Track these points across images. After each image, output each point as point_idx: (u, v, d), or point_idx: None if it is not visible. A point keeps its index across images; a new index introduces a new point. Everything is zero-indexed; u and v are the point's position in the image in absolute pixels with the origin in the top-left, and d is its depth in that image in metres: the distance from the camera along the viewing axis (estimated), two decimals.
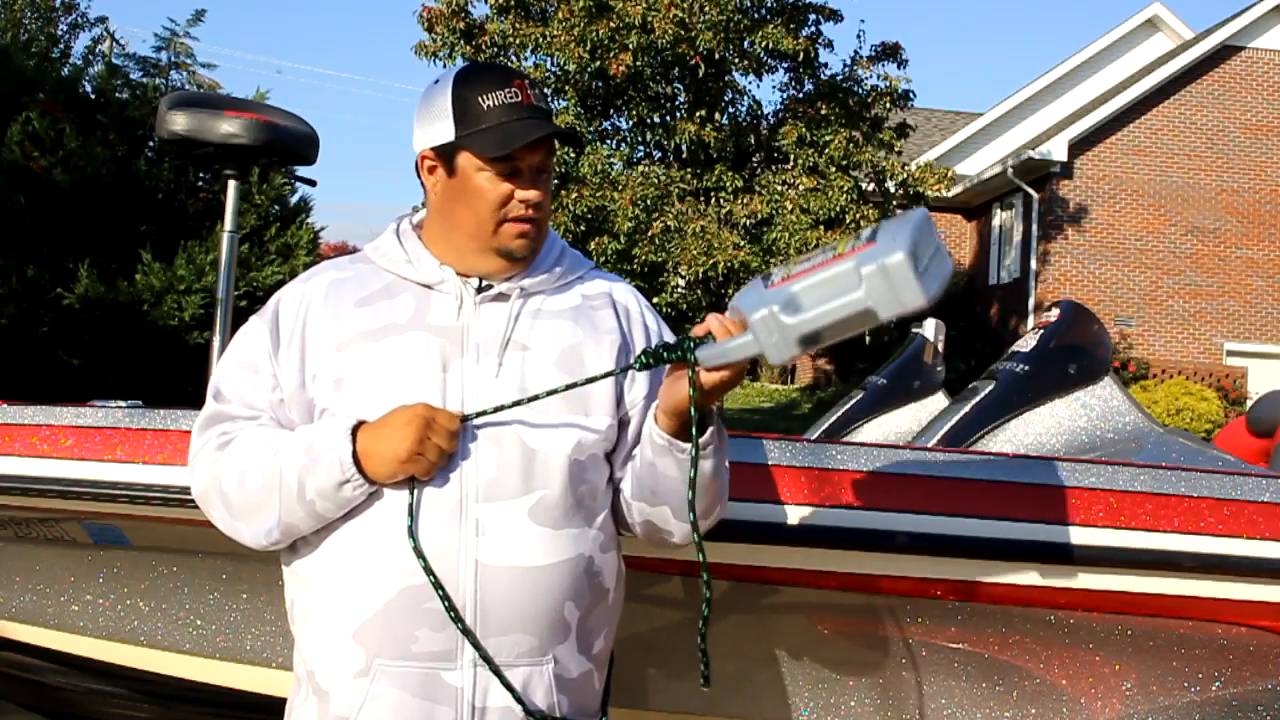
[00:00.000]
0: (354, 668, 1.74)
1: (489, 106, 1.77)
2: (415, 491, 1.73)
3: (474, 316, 1.82)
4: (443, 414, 1.71)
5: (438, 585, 1.70)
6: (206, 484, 1.82)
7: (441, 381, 1.77)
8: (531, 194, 1.80)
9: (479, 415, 1.74)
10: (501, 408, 1.74)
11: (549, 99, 1.86)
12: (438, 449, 1.70)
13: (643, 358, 1.75)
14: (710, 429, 1.75)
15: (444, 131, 1.80)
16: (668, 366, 1.74)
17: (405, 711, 1.72)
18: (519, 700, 1.73)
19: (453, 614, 1.70)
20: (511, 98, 1.78)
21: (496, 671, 1.72)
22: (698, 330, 1.71)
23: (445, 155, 1.81)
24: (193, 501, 1.90)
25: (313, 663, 1.79)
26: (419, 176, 1.87)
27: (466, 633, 1.71)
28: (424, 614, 1.71)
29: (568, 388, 1.76)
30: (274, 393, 1.82)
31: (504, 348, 1.80)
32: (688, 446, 1.73)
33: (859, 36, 20.58)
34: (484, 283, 1.84)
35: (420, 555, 1.70)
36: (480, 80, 1.80)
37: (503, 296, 1.84)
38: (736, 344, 1.66)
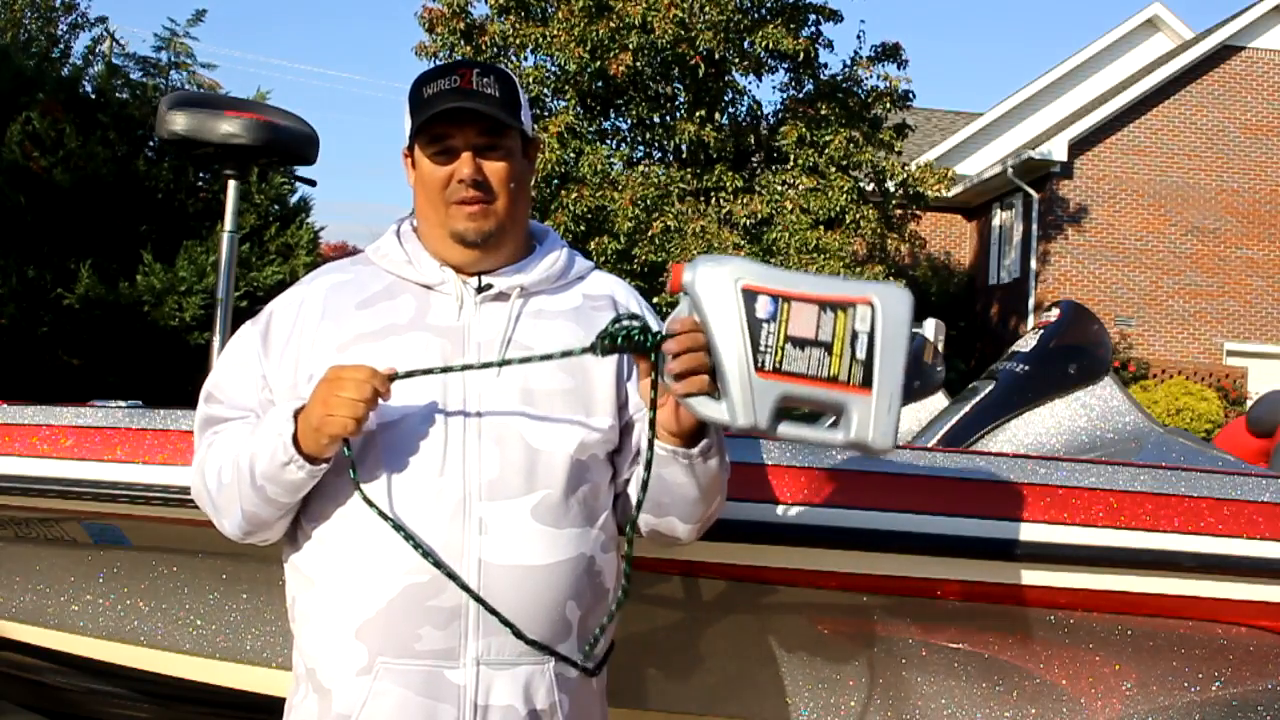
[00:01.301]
0: (356, 666, 1.74)
1: (429, 95, 1.80)
2: (350, 454, 1.70)
3: (475, 316, 1.82)
4: (350, 368, 1.69)
5: (426, 555, 1.69)
6: (198, 483, 1.86)
7: (443, 381, 1.77)
8: (465, 171, 1.79)
9: (408, 375, 1.71)
10: (431, 371, 1.73)
11: (514, 89, 1.85)
12: (347, 402, 1.65)
13: (603, 342, 1.70)
14: (706, 437, 1.75)
15: (407, 128, 1.84)
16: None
17: (408, 710, 1.72)
18: (539, 648, 1.73)
19: (462, 586, 1.70)
20: (451, 84, 1.79)
21: (518, 633, 1.71)
22: (674, 328, 1.66)
23: (411, 150, 1.86)
24: (193, 501, 1.92)
25: (314, 661, 1.79)
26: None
27: (478, 600, 1.70)
28: (426, 612, 1.72)
29: (522, 361, 1.74)
30: (263, 392, 1.83)
31: (505, 348, 1.80)
32: (693, 452, 1.74)
33: (859, 37, 20.59)
34: (484, 283, 1.84)
35: (401, 530, 1.70)
36: (431, 73, 1.84)
37: (503, 296, 1.84)
38: (709, 413, 1.64)
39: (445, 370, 1.74)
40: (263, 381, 1.83)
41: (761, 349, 1.61)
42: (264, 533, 1.83)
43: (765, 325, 1.61)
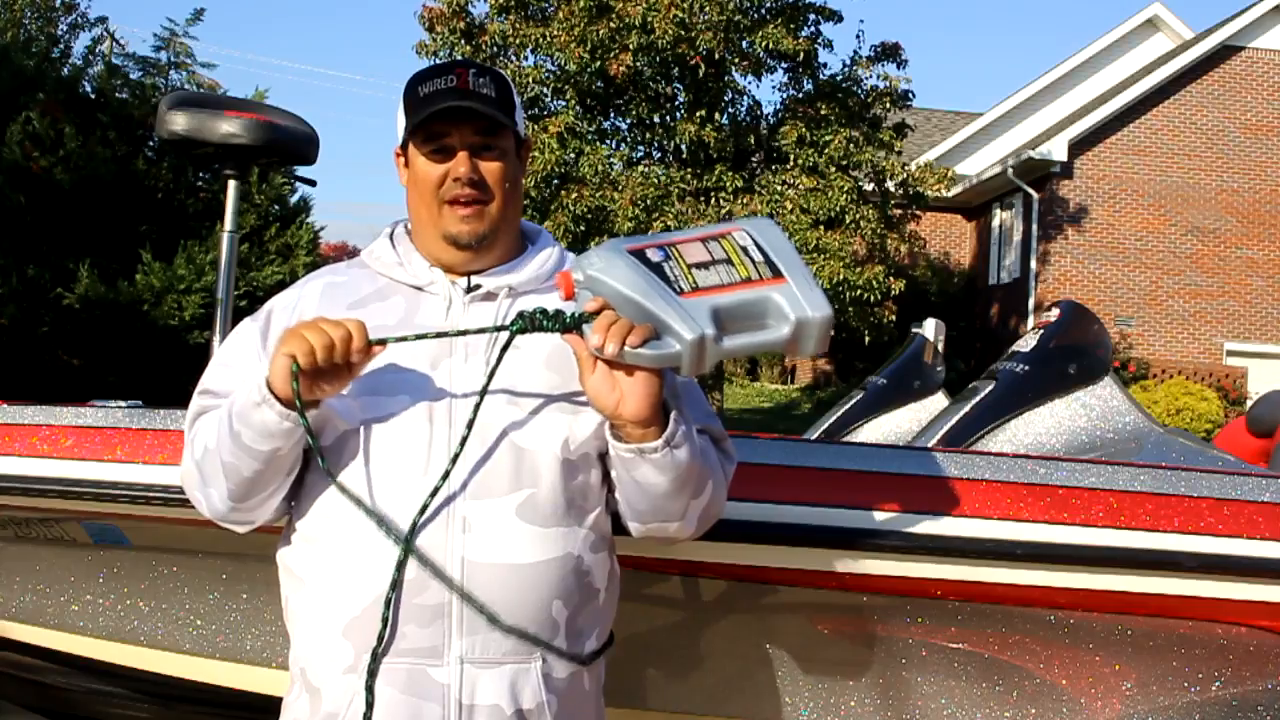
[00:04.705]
0: (343, 664, 1.74)
1: (425, 94, 1.80)
2: (305, 422, 1.67)
3: (463, 316, 1.83)
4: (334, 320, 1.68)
5: (407, 547, 1.69)
6: (187, 463, 1.84)
7: (431, 380, 1.78)
8: (461, 170, 1.79)
9: (397, 340, 1.71)
10: (424, 337, 1.74)
11: (509, 90, 1.85)
12: (317, 330, 1.63)
13: (520, 321, 1.70)
14: (671, 417, 1.71)
15: (400, 128, 1.84)
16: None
17: (393, 708, 1.72)
18: (520, 636, 1.73)
19: (442, 578, 1.71)
20: (447, 83, 1.80)
21: (493, 618, 1.71)
22: (589, 307, 1.65)
23: (405, 150, 1.86)
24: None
25: (304, 660, 1.80)
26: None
27: (462, 595, 1.71)
28: (410, 610, 1.71)
29: (417, 338, 1.73)
30: None
31: (492, 347, 1.80)
32: (657, 444, 1.69)
33: (859, 37, 20.59)
34: (473, 283, 1.85)
35: (376, 517, 1.71)
36: (426, 73, 1.84)
37: (491, 296, 1.85)
38: (660, 351, 1.62)
39: (419, 338, 1.73)
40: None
41: (672, 279, 1.66)
42: (250, 505, 1.79)
43: (665, 264, 1.68)
